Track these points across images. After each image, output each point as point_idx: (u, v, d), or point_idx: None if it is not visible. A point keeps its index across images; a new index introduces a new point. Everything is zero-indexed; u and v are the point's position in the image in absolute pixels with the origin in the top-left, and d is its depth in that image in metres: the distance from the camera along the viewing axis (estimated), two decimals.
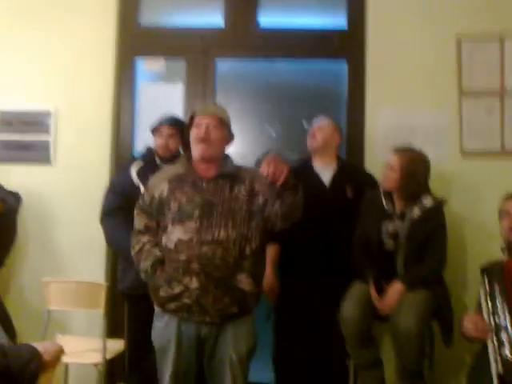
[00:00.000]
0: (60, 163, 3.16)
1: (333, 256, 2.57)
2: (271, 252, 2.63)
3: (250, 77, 3.27)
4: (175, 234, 2.01)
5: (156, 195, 2.09)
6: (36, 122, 3.16)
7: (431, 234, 2.42)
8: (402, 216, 2.47)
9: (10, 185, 3.06)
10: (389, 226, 2.49)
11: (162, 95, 3.24)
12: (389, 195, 2.52)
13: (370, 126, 2.97)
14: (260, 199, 2.06)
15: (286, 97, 3.19)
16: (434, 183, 2.57)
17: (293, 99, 3.18)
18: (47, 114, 3.15)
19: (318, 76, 3.16)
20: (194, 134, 2.09)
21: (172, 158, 2.54)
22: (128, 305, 2.60)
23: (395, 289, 2.39)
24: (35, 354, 1.29)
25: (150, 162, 2.65)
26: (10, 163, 3.17)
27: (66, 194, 3.12)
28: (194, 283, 1.97)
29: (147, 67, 3.28)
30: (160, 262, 2.03)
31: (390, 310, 2.38)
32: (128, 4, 3.24)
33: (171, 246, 2.01)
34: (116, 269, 2.73)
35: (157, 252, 2.05)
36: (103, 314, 2.54)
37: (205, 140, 2.05)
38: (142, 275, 2.08)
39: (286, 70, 3.21)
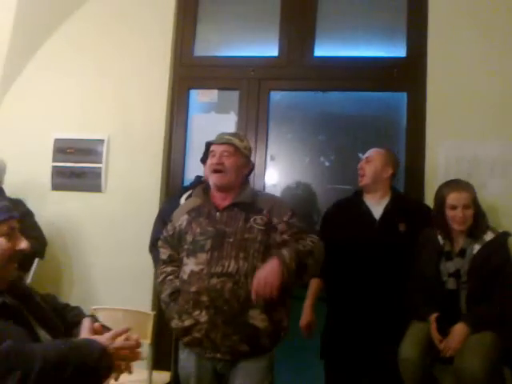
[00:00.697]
0: (111, 191, 3.39)
1: (382, 293, 2.60)
2: (313, 286, 2.71)
3: (304, 106, 3.44)
4: (189, 266, 2.13)
5: (177, 227, 2.23)
6: (89, 149, 3.43)
7: (497, 270, 2.42)
8: (462, 253, 2.48)
9: (61, 212, 3.30)
10: (448, 265, 2.49)
11: (214, 125, 3.41)
12: (446, 232, 2.53)
13: (431, 158, 3.04)
14: (278, 237, 2.12)
15: (341, 127, 3.34)
16: (501, 217, 2.58)
17: (348, 130, 3.32)
18: (100, 142, 3.42)
19: (375, 105, 3.30)
20: (208, 162, 2.24)
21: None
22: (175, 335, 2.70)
23: (459, 329, 2.38)
24: (104, 352, 1.38)
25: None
26: (63, 190, 3.45)
27: (117, 222, 3.32)
28: (203, 317, 2.05)
29: (200, 98, 3.51)
30: (178, 293, 2.14)
31: (453, 352, 2.36)
32: (184, 35, 3.52)
33: (185, 277, 2.13)
34: None
35: (177, 283, 2.17)
36: (150, 344, 2.64)
37: (219, 168, 2.17)
38: (162, 305, 2.21)
39: (341, 99, 3.36)
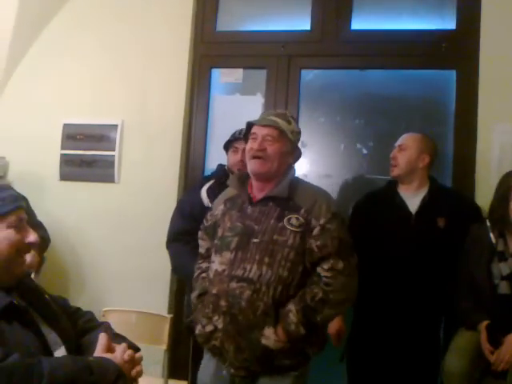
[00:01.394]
0: (125, 181, 3.41)
1: (416, 296, 2.57)
2: None
3: (340, 86, 3.41)
4: (215, 264, 2.10)
5: (214, 217, 2.20)
6: (101, 135, 3.47)
7: None
8: None
9: (70, 204, 3.35)
10: (501, 266, 2.44)
11: (238, 109, 3.46)
12: (502, 229, 2.47)
13: (483, 145, 2.98)
14: (312, 242, 2.02)
15: (381, 110, 3.29)
16: None
17: (389, 113, 3.27)
18: (113, 128, 3.45)
19: (420, 85, 3.24)
20: (248, 146, 2.13)
21: None
22: (195, 341, 2.71)
23: None
24: (120, 373, 1.43)
25: (222, 181, 2.75)
26: (72, 180, 3.50)
27: (131, 216, 3.34)
28: (220, 323, 2.03)
29: (223, 79, 3.51)
30: (206, 294, 2.12)
31: (506, 365, 2.32)
32: (205, 8, 3.52)
33: (211, 276, 2.11)
34: (182, 300, 2.88)
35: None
36: (166, 350, 2.65)
37: (260, 154, 2.08)
38: (192, 307, 2.21)
39: (381, 78, 3.32)
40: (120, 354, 1.48)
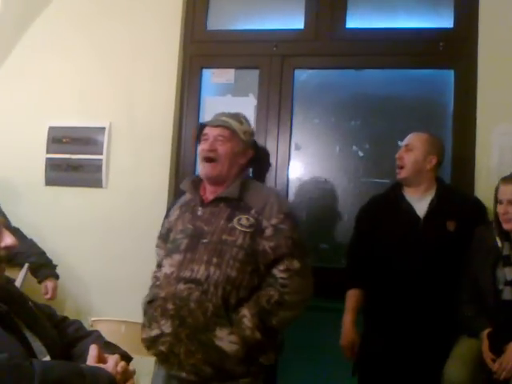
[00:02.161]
0: (113, 186, 3.41)
1: (428, 304, 2.56)
2: (352, 298, 2.69)
3: (334, 86, 3.42)
4: (164, 268, 2.14)
5: (169, 223, 2.27)
6: (88, 139, 3.47)
7: None
8: None
9: (56, 210, 3.34)
10: (506, 272, 2.45)
11: (230, 110, 3.33)
12: (504, 234, 2.48)
13: (482, 146, 2.99)
14: (265, 243, 2.07)
15: (377, 111, 3.30)
16: None
17: (386, 114, 3.28)
18: (101, 130, 3.45)
19: (417, 85, 3.25)
20: (200, 148, 2.22)
21: None
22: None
23: None
24: (113, 382, 1.41)
25: None
26: (58, 185, 3.49)
27: (119, 223, 3.33)
28: (168, 327, 2.05)
29: (214, 79, 3.52)
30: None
31: (508, 374, 2.32)
32: (196, 8, 3.53)
33: (160, 281, 2.15)
34: None
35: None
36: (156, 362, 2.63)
37: (211, 155, 2.16)
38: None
39: (377, 78, 3.33)
40: (112, 365, 1.46)
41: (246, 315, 2.01)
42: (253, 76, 3.41)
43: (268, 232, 2.08)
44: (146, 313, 2.17)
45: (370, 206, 2.82)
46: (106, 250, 3.35)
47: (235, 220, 2.09)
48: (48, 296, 2.88)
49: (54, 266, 3.05)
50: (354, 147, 3.31)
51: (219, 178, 2.17)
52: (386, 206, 2.74)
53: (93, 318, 2.78)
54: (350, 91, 3.36)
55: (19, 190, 3.45)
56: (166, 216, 2.39)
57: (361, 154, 3.31)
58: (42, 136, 3.51)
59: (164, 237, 2.28)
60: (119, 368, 1.47)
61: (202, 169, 2.20)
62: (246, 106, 3.39)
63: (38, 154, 3.50)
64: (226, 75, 3.47)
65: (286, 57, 3.37)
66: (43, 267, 3.00)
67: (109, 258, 3.33)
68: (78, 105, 3.51)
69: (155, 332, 2.07)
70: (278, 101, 3.35)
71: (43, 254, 3.08)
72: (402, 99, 3.28)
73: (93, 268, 3.35)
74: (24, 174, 3.49)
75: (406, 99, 3.27)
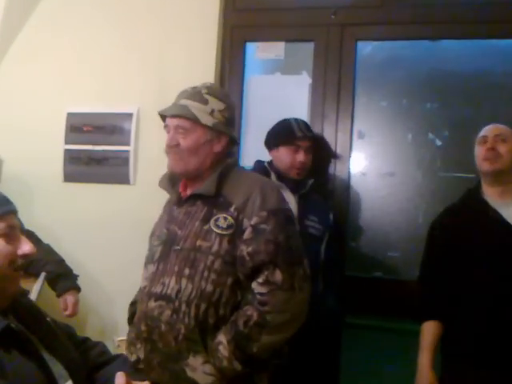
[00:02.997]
0: (142, 182, 3.44)
1: None
2: (429, 333, 2.59)
3: (406, 61, 3.36)
4: (141, 280, 2.18)
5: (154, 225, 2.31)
6: (113, 127, 3.51)
7: None
8: None
9: (76, 211, 3.38)
10: None
11: (279, 91, 3.46)
12: None
13: None
14: (243, 248, 1.99)
15: (458, 91, 3.24)
16: None
17: (469, 94, 3.22)
18: (128, 117, 3.48)
19: (507, 59, 3.18)
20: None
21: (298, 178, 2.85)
22: None
23: None
24: None
25: None
26: (79, 182, 3.54)
27: (148, 224, 3.32)
28: (141, 352, 2.05)
29: (261, 55, 3.52)
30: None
31: None
32: None
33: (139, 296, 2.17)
34: None
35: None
36: None
37: (173, 151, 2.13)
38: None
39: (458, 50, 3.26)
40: None
41: (222, 341, 1.96)
42: (306, 50, 3.40)
43: (247, 234, 2.01)
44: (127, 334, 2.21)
45: (446, 219, 2.73)
46: (134, 257, 3.33)
47: (212, 221, 2.03)
48: (68, 312, 2.91)
49: (75, 277, 3.08)
50: (430, 135, 3.27)
51: (189, 174, 2.15)
52: (466, 216, 2.66)
53: (119, 338, 2.80)
54: (424, 67, 3.31)
55: (34, 187, 3.53)
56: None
57: (438, 142, 3.26)
58: (59, 124, 3.57)
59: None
60: None
61: (168, 163, 2.19)
62: (299, 86, 3.40)
63: (54, 145, 3.56)
64: (275, 49, 3.47)
65: (346, 26, 3.34)
66: (62, 278, 3.03)
67: (137, 268, 3.32)
68: (101, 87, 3.55)
69: (133, 357, 2.08)
70: (336, 80, 3.33)
71: (62, 261, 3.12)
72: (490, 76, 3.20)
73: (119, 279, 3.37)
74: (39, 169, 3.55)
75: (494, 76, 3.19)
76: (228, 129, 2.17)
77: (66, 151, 3.55)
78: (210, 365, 1.96)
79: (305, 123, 3.00)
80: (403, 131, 3.30)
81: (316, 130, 3.18)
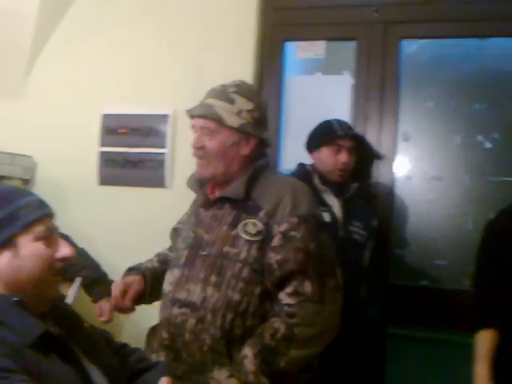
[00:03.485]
0: (179, 186, 3.40)
1: None
2: (485, 343, 2.50)
3: (453, 60, 3.33)
4: (164, 284, 2.14)
5: (180, 224, 2.31)
6: (149, 129, 3.52)
7: None
8: None
9: (112, 215, 3.38)
10: None
11: (320, 92, 3.45)
12: None
13: None
14: (272, 256, 1.95)
15: (507, 90, 3.20)
16: None
17: None
18: (163, 119, 3.49)
19: None
20: None
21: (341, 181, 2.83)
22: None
23: None
24: None
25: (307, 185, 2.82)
26: (114, 185, 3.56)
27: None
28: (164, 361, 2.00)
29: (300, 54, 3.50)
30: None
31: None
32: None
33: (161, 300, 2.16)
34: None
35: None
36: None
37: (199, 154, 2.09)
38: None
39: (508, 48, 3.23)
40: None
41: (248, 355, 1.90)
42: (348, 49, 3.39)
43: (276, 241, 1.97)
44: (146, 342, 2.19)
45: (504, 221, 2.67)
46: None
47: (240, 226, 1.99)
48: (103, 318, 2.91)
49: (111, 282, 3.08)
50: (479, 137, 3.22)
51: (217, 179, 2.11)
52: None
53: None
54: (473, 66, 3.28)
55: (68, 191, 3.56)
56: (185, 214, 2.41)
57: (488, 145, 3.21)
58: (93, 126, 3.59)
59: (172, 237, 2.38)
60: None
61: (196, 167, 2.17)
62: (340, 87, 3.38)
63: (89, 148, 3.59)
64: (315, 49, 3.45)
65: (389, 24, 3.32)
66: (98, 283, 3.06)
67: None
68: (137, 88, 3.57)
69: None
70: (380, 80, 3.31)
71: (98, 266, 3.15)
72: None
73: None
74: (74, 172, 3.58)
75: None
76: (257, 130, 2.11)
77: (101, 154, 3.57)
78: (235, 379, 1.91)
79: (347, 123, 2.99)
80: (451, 133, 3.26)
81: (358, 131, 3.15)
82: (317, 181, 2.86)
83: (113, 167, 3.55)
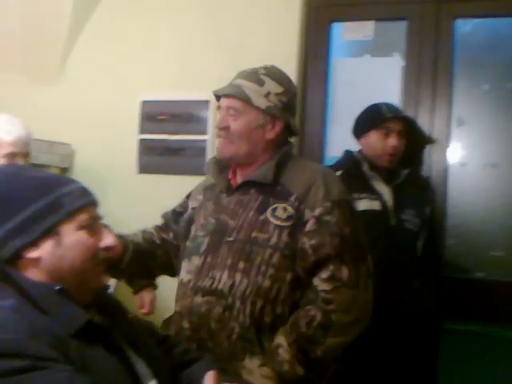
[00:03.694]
0: None
1: None
2: None
3: (510, 41, 3.23)
4: (181, 273, 2.09)
5: (189, 209, 2.22)
6: (189, 115, 3.49)
7: None
8: None
9: (153, 203, 3.33)
10: None
11: (368, 75, 3.38)
12: None
13: None
14: (305, 240, 1.92)
15: None
16: None
17: None
18: (204, 105, 3.45)
19: None
20: None
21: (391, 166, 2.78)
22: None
23: None
24: None
25: (353, 173, 2.81)
26: (154, 173, 3.54)
27: None
28: None
29: (348, 36, 3.44)
30: None
31: None
32: None
33: (177, 291, 2.10)
34: None
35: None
36: None
37: (222, 134, 2.05)
38: None
39: None
40: None
41: (282, 344, 1.88)
42: (398, 30, 3.32)
43: (310, 225, 1.93)
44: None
45: None
46: None
47: (269, 211, 1.95)
48: (145, 310, 2.89)
49: None
50: None
51: (239, 160, 2.07)
52: None
53: None
54: None
55: (107, 179, 3.53)
56: (188, 197, 2.33)
57: None
58: (133, 112, 3.57)
59: (170, 221, 2.31)
60: None
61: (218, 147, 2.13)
62: (390, 69, 3.32)
63: (128, 135, 3.57)
64: (363, 30, 3.38)
65: (442, 3, 3.24)
66: None
67: None
68: (177, 74, 3.54)
69: None
70: (432, 61, 3.23)
71: None
72: None
73: None
74: (112, 160, 3.58)
75: None
76: (284, 114, 2.07)
77: (141, 141, 3.56)
78: (268, 368, 1.88)
79: (396, 106, 2.93)
80: (507, 118, 3.18)
81: (409, 115, 3.07)
82: (365, 167, 2.81)
83: (152, 155, 3.53)
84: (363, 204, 2.72)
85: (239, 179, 2.10)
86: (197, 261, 2.02)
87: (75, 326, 1.34)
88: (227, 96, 2.07)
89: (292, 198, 1.96)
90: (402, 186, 2.83)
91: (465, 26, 3.26)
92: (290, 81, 2.17)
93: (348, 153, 2.93)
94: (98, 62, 3.68)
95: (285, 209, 1.95)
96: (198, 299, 1.96)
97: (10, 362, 1.21)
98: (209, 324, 1.93)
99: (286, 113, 2.07)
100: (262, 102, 2.02)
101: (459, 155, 3.22)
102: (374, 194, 2.76)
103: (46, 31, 3.61)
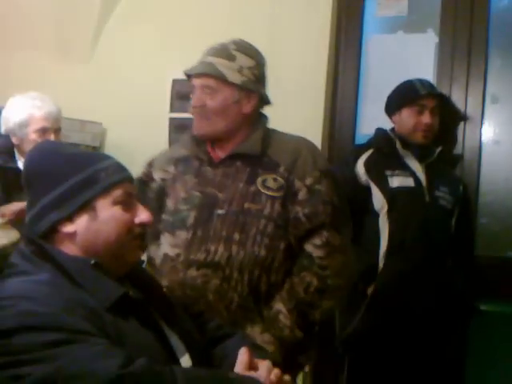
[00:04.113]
0: None
1: None
2: None
3: None
4: (163, 247, 2.08)
5: (158, 180, 2.20)
6: None
7: None
8: None
9: None
10: None
11: (402, 52, 3.37)
12: None
13: None
14: (298, 209, 1.98)
15: None
16: None
17: None
18: None
19: None
20: None
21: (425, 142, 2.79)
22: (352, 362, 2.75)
23: None
24: None
25: (385, 151, 2.83)
26: None
27: None
28: None
29: (381, 12, 3.42)
30: None
31: None
32: None
33: (158, 262, 2.09)
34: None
35: None
36: (307, 373, 2.73)
37: (198, 112, 2.07)
38: None
39: None
40: (265, 373, 1.47)
41: (282, 310, 1.97)
42: (433, 5, 3.29)
43: (302, 195, 2.01)
44: None
45: None
46: None
47: (259, 181, 2.00)
48: None
49: None
50: None
51: (216, 137, 2.10)
52: None
53: None
54: None
55: (137, 157, 3.43)
56: (151, 166, 2.32)
57: None
58: (164, 91, 3.59)
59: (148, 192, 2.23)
60: (273, 377, 1.47)
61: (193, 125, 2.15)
62: (424, 46, 3.31)
63: (159, 114, 3.60)
64: (397, 6, 3.37)
65: None
66: None
67: None
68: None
69: None
70: (467, 37, 3.21)
71: None
72: None
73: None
74: (143, 138, 3.58)
75: None
76: (258, 87, 2.13)
77: (171, 120, 3.57)
78: (269, 334, 1.96)
79: (429, 82, 2.93)
80: None
81: (444, 92, 3.08)
82: (398, 145, 2.82)
83: (183, 133, 3.49)
84: (397, 181, 2.75)
85: (220, 153, 2.13)
86: (184, 235, 2.04)
87: (110, 299, 1.38)
88: (200, 75, 2.10)
89: (281, 169, 2.03)
90: (435, 163, 2.84)
91: (500, 2, 3.22)
92: (258, 52, 2.22)
93: (380, 130, 2.94)
94: (130, 39, 3.70)
95: (275, 179, 2.01)
96: (193, 272, 1.99)
97: (46, 334, 1.25)
98: (206, 296, 1.97)
99: (259, 85, 2.14)
100: (236, 78, 2.06)
101: (493, 133, 3.19)
102: (408, 171, 2.78)
103: (78, 9, 3.65)
